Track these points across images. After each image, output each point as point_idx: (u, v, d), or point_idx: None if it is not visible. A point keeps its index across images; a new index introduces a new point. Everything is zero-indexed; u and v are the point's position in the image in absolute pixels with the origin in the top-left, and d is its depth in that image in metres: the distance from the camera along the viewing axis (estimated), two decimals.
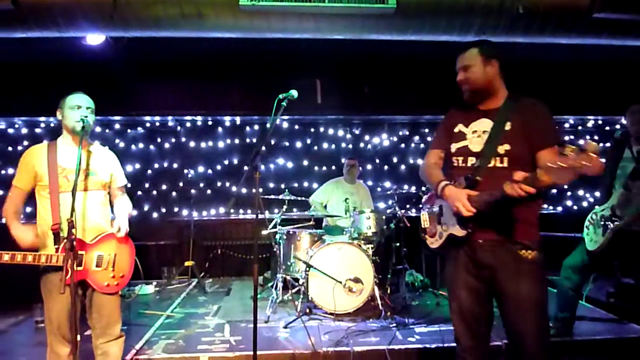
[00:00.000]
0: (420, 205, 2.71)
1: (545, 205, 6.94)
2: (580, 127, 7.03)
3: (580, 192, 6.95)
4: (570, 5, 4.01)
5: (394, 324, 4.14)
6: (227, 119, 6.49)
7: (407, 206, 5.53)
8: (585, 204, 6.90)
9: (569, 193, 6.95)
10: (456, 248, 2.35)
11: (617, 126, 6.68)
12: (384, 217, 5.02)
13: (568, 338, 3.80)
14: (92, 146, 2.92)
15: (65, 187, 2.65)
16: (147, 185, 6.39)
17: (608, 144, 6.88)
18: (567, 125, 7.00)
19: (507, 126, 2.26)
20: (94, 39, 4.74)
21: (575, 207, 6.92)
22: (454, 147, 2.42)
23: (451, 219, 2.33)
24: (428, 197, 2.68)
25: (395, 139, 6.76)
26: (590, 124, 6.99)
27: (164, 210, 6.43)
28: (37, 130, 6.33)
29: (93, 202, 2.78)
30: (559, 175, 1.74)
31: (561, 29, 4.18)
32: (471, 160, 2.34)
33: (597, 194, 6.19)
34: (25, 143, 6.26)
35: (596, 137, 7.01)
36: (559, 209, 6.95)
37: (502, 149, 2.24)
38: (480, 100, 2.38)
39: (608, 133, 6.96)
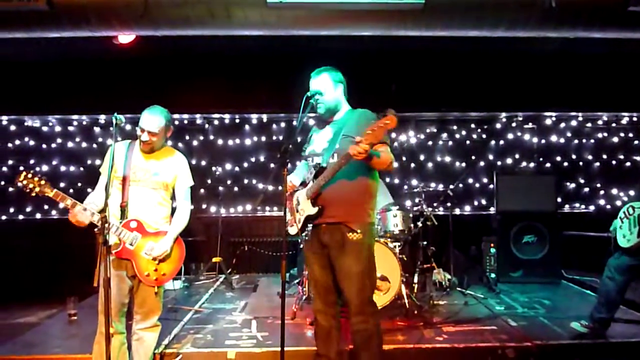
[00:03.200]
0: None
1: (577, 205, 6.78)
2: (614, 124, 6.82)
3: (614, 191, 6.75)
4: None
5: (421, 323, 4.11)
6: (254, 117, 6.54)
7: (435, 204, 5.47)
8: (618, 202, 6.69)
9: (601, 192, 6.76)
10: (309, 231, 2.94)
11: None
12: (411, 215, 4.97)
13: (602, 340, 3.71)
14: (164, 149, 3.19)
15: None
16: None
17: None
18: (600, 122, 6.81)
19: (343, 131, 2.88)
20: (125, 38, 4.82)
21: (608, 206, 6.72)
22: (307, 151, 3.09)
23: (306, 203, 2.88)
24: (290, 194, 3.07)
25: (422, 136, 6.69)
26: (624, 120, 6.78)
27: (192, 206, 6.48)
28: (70, 128, 6.49)
29: (152, 198, 3.05)
30: (375, 134, 2.51)
31: (595, 23, 4.05)
32: (316, 160, 2.95)
33: (632, 192, 6.03)
34: (59, 140, 6.45)
35: (630, 135, 6.79)
36: (591, 207, 6.77)
37: (337, 148, 2.86)
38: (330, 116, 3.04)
39: None
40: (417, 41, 4.54)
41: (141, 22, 3.90)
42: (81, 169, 6.45)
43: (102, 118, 6.43)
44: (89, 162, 6.43)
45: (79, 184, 6.35)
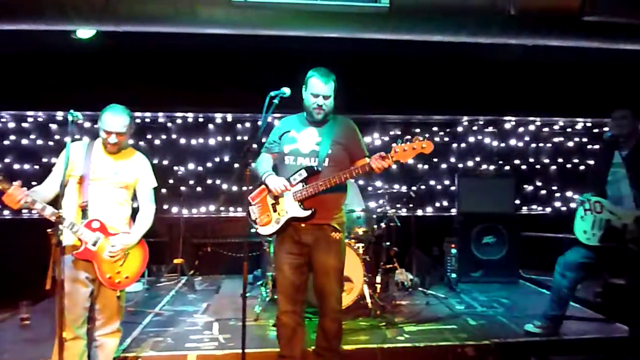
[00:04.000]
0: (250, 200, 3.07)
1: (535, 206, 7.00)
2: (569, 129, 7.08)
3: (569, 194, 7.00)
4: (561, 7, 4.03)
5: (383, 323, 4.15)
6: (219, 116, 6.45)
7: (398, 205, 5.55)
8: (573, 205, 6.94)
9: (558, 194, 7.00)
10: (283, 232, 2.96)
11: (606, 128, 6.71)
12: (374, 216, 5.02)
13: (555, 337, 3.84)
14: (125, 150, 3.14)
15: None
16: None
17: (597, 146, 7.01)
18: (556, 127, 7.05)
19: (333, 137, 3.00)
20: (85, 33, 4.67)
21: (563, 208, 6.97)
22: (287, 148, 3.02)
23: (292, 204, 2.90)
24: (258, 192, 3.05)
25: (386, 138, 6.76)
26: (579, 126, 7.05)
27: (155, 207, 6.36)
28: (24, 124, 6.24)
29: (113, 198, 3.00)
30: (406, 155, 2.80)
31: (553, 31, 4.19)
32: (301, 160, 2.97)
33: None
34: (12, 137, 6.19)
35: (585, 139, 7.07)
36: (548, 209, 7.00)
37: (330, 153, 2.96)
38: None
39: (596, 135, 7.03)
40: (382, 45, 4.58)
41: (102, 17, 3.79)
42: (36, 167, 6.21)
43: (59, 115, 6.21)
44: (44, 160, 6.18)
45: (34, 183, 6.07)
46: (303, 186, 2.91)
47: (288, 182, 2.93)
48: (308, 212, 2.90)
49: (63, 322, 2.48)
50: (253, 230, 3.09)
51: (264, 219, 3.00)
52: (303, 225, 2.94)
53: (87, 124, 6.15)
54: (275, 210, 2.98)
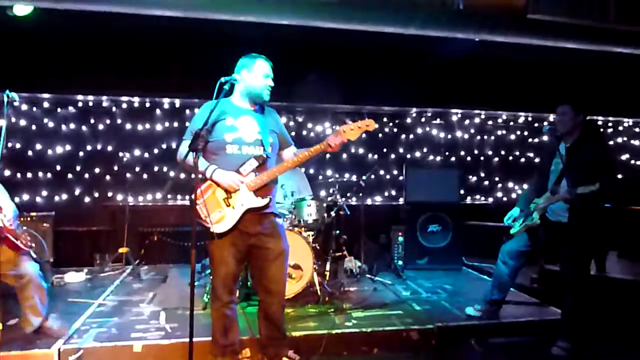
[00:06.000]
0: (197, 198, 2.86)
1: (478, 197, 7.28)
2: (512, 123, 7.39)
3: (510, 184, 7.33)
4: (507, 5, 4.19)
5: (332, 310, 4.21)
6: (166, 101, 6.27)
7: (348, 194, 5.62)
8: (514, 195, 7.28)
9: (499, 185, 7.31)
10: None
11: (545, 123, 7.07)
12: (324, 204, 5.06)
13: (495, 320, 4.03)
14: None
15: None
16: (78, 168, 6.08)
17: (537, 140, 7.36)
18: (500, 120, 7.34)
19: (270, 126, 3.05)
20: (22, 9, 4.40)
21: (505, 199, 7.29)
22: (228, 137, 2.92)
23: (247, 195, 2.89)
24: (204, 188, 2.92)
25: (338, 127, 6.78)
26: (521, 120, 7.37)
27: (97, 194, 6.15)
28: None
29: None
30: (355, 133, 2.94)
31: (498, 27, 4.36)
32: (246, 148, 2.93)
33: (525, 186, 6.58)
34: None
35: (526, 133, 7.40)
36: (490, 199, 7.30)
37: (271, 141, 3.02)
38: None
39: (537, 129, 7.38)
40: (334, 34, 4.59)
41: None
42: None
43: None
44: None
45: None
46: (255, 175, 2.90)
47: (238, 173, 2.90)
48: (266, 201, 2.92)
49: None
50: (203, 228, 2.90)
51: (216, 216, 2.88)
52: (250, 215, 2.92)
53: (25, 106, 5.83)
54: (228, 205, 2.90)
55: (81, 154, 6.09)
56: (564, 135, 3.72)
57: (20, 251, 3.36)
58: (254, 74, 3.00)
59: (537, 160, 7.24)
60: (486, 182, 7.31)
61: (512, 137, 7.39)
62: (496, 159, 7.35)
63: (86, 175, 6.12)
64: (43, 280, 3.46)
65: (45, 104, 6.00)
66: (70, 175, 6.05)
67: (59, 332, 3.50)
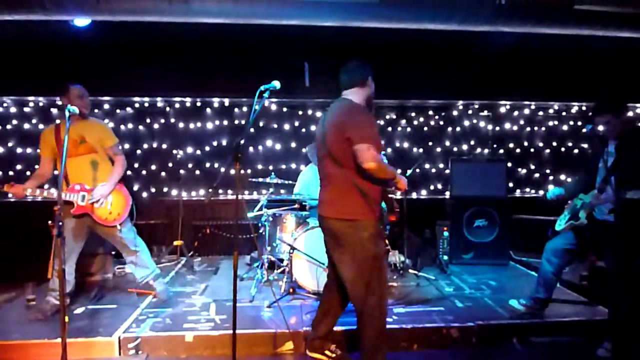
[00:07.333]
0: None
1: (528, 189, 7.11)
2: (564, 113, 7.13)
3: (562, 177, 7.10)
4: None
5: None
6: (216, 101, 6.53)
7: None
8: None
9: (551, 177, 7.10)
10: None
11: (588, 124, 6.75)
12: None
13: (539, 320, 3.99)
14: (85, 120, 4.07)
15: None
16: (136, 165, 6.46)
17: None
18: (551, 110, 7.11)
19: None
20: (81, 21, 4.74)
21: None
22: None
23: None
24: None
25: (382, 122, 6.83)
26: (574, 109, 7.10)
27: (153, 190, 6.52)
28: (26, 109, 6.35)
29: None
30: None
31: (543, 19, 4.25)
32: None
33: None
34: (14, 122, 6.30)
35: (579, 123, 7.13)
36: (541, 192, 7.11)
37: None
38: None
39: (591, 119, 7.08)
40: (377, 32, 4.62)
41: (97, 8, 3.86)
42: (38, 151, 6.31)
43: (59, 100, 6.30)
44: None
45: (36, 166, 6.23)
46: None
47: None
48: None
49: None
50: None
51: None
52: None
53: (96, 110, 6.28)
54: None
55: (138, 151, 6.47)
56: (609, 137, 3.64)
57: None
58: (372, 86, 3.38)
59: (590, 151, 6.97)
60: (537, 175, 7.11)
61: (565, 127, 7.13)
62: (547, 150, 7.13)
63: (143, 172, 6.50)
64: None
65: (106, 106, 6.41)
66: (128, 172, 6.44)
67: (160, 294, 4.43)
